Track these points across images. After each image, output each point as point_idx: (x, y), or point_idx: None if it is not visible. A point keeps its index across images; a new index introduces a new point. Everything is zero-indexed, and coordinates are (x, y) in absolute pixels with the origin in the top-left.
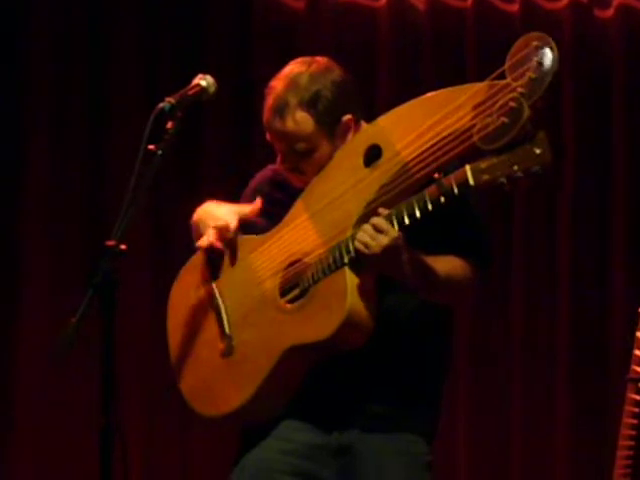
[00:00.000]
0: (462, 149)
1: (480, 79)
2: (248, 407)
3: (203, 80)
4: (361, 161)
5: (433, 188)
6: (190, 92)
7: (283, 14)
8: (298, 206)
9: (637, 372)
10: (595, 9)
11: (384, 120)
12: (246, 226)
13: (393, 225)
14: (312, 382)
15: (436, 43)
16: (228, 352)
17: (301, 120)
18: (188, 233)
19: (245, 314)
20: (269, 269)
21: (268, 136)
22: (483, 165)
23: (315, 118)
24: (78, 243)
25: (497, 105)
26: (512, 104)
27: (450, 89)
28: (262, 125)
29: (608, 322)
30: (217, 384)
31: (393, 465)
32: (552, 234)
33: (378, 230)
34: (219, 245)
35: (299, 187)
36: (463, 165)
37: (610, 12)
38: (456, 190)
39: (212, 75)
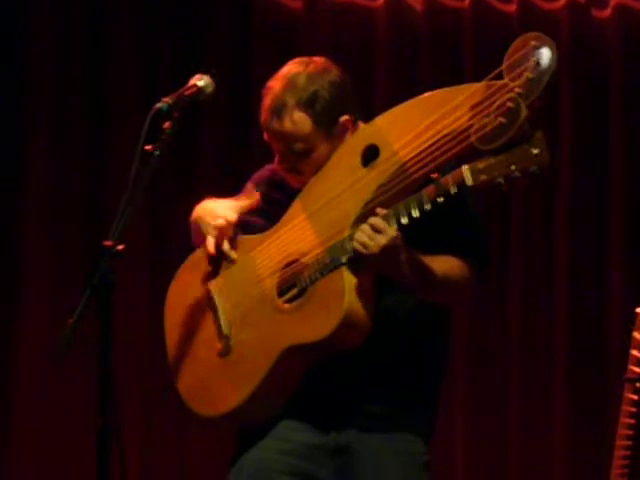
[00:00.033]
0: (460, 149)
1: (478, 79)
2: (245, 407)
3: (200, 80)
4: (359, 161)
5: (431, 188)
6: (187, 92)
7: (281, 14)
8: (296, 206)
9: (634, 372)
10: (592, 9)
11: (381, 120)
12: (245, 226)
13: (391, 225)
14: (310, 382)
15: (434, 43)
16: (225, 352)
17: (299, 120)
18: (185, 233)
19: (243, 314)
20: (267, 269)
21: (266, 136)
22: (481, 165)
23: (313, 118)
24: (78, 243)
25: (495, 105)
26: (510, 104)
27: (448, 89)
28: (259, 125)
29: (606, 322)
30: (214, 384)
31: (391, 465)
32: (550, 234)
33: (376, 230)
34: (225, 246)
35: (297, 187)
36: (461, 165)
37: (607, 12)
38: (454, 190)
39: (213, 72)
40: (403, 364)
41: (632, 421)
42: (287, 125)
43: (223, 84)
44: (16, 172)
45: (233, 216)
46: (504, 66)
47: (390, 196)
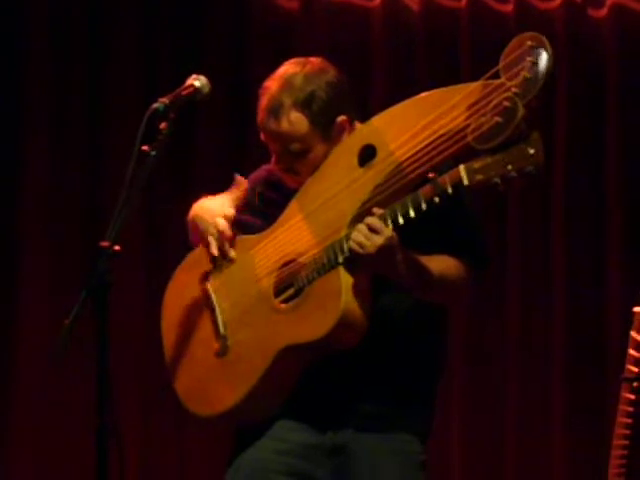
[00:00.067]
0: (456, 149)
1: (474, 79)
2: (242, 407)
3: (197, 80)
4: (355, 161)
5: (427, 188)
6: (184, 92)
7: (278, 15)
8: (293, 206)
9: (632, 372)
10: (589, 8)
11: (378, 120)
12: (242, 226)
13: (387, 225)
14: (307, 382)
15: (430, 43)
16: (223, 352)
17: (296, 120)
18: (182, 233)
19: (240, 314)
20: (264, 269)
21: (262, 136)
22: (477, 165)
23: (310, 119)
24: (77, 243)
25: (491, 105)
26: (506, 103)
27: (444, 89)
28: (256, 125)
29: (604, 321)
30: (211, 384)
31: (387, 465)
32: (547, 233)
33: (372, 230)
34: (225, 245)
35: (294, 187)
36: (457, 165)
37: (604, 11)
38: (450, 190)
39: (207, 75)
40: (400, 364)
41: (629, 420)
42: (284, 125)
43: (220, 84)
44: (15, 172)
45: (230, 211)
46: (501, 66)
47: (387, 196)
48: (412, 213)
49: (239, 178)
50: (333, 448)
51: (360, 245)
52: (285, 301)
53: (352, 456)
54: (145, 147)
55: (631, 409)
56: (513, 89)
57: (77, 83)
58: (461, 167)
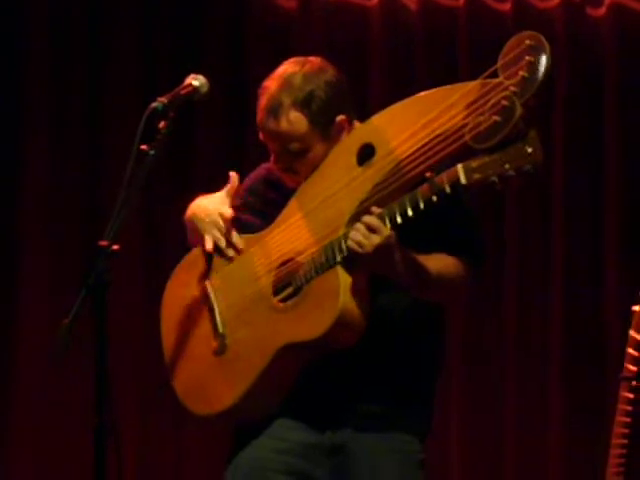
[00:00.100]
0: (454, 148)
1: (473, 78)
2: (241, 405)
3: (195, 80)
4: (354, 160)
5: (425, 187)
6: (182, 92)
7: (276, 15)
8: (292, 205)
9: (630, 370)
10: (587, 7)
11: (378, 119)
12: (242, 225)
13: (385, 224)
14: (305, 381)
15: (428, 42)
16: (221, 350)
17: (295, 120)
18: (180, 232)
19: (239, 313)
20: (263, 268)
21: (262, 136)
22: (475, 164)
23: (309, 118)
24: (77, 243)
25: (489, 104)
26: (504, 102)
27: (443, 88)
28: (255, 125)
29: (601, 320)
30: (210, 382)
31: (386, 464)
32: (545, 232)
33: (371, 229)
34: (223, 244)
35: (293, 187)
36: (455, 164)
37: (602, 10)
38: (448, 189)
39: (206, 75)
40: (398, 363)
41: (628, 419)
42: (283, 125)
43: (219, 84)
44: (15, 172)
45: (228, 211)
46: (499, 65)
47: (386, 195)
48: (410, 212)
49: (232, 174)
50: (332, 447)
51: (358, 244)
52: (284, 300)
53: (351, 456)
54: (144, 146)
55: (630, 408)
56: (511, 88)
57: (77, 83)
58: (459, 166)
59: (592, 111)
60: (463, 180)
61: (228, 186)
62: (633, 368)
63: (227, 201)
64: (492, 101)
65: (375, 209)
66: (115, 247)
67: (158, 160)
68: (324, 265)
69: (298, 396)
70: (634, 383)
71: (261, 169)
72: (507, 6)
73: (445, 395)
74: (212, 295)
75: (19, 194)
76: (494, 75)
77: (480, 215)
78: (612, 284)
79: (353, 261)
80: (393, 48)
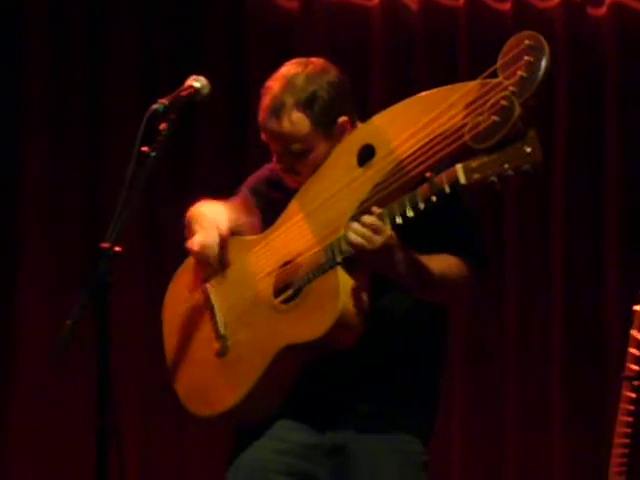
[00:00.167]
0: (454, 148)
1: (472, 78)
2: (242, 407)
3: (196, 81)
4: (355, 161)
5: (425, 187)
6: (183, 93)
7: (277, 15)
8: (293, 206)
9: (632, 370)
10: (588, 7)
11: (379, 119)
12: (241, 225)
13: (386, 224)
14: (306, 382)
15: (429, 42)
16: (223, 352)
17: (297, 121)
18: (182, 234)
19: (240, 314)
20: (264, 269)
21: (263, 136)
22: (474, 164)
23: (311, 119)
24: (77, 243)
25: (489, 104)
26: (503, 102)
27: (444, 88)
28: (256, 126)
29: (602, 320)
30: (211, 384)
31: (387, 464)
32: (546, 232)
33: (371, 229)
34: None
35: (294, 187)
36: (455, 164)
37: (603, 10)
38: (447, 189)
39: (206, 76)
40: (400, 364)
41: (630, 419)
42: (285, 125)
43: (220, 84)
44: (15, 172)
45: (224, 224)
46: (498, 64)
47: (386, 195)
48: (410, 212)
49: (246, 193)
50: (333, 448)
51: (359, 244)
52: (285, 301)
53: (352, 456)
54: (145, 148)
55: (632, 407)
56: (510, 88)
57: (77, 83)
58: (458, 166)
59: (593, 111)
60: (462, 180)
61: (239, 206)
62: (635, 367)
63: (226, 215)
64: (491, 101)
65: (375, 209)
66: (117, 249)
67: (159, 161)
68: (324, 266)
69: (299, 397)
70: (636, 383)
71: (264, 170)
72: (507, 6)
73: (447, 395)
74: (213, 297)
75: (19, 194)
76: (494, 75)
77: (480, 215)
78: (612, 284)
79: (354, 261)
80: (394, 48)
